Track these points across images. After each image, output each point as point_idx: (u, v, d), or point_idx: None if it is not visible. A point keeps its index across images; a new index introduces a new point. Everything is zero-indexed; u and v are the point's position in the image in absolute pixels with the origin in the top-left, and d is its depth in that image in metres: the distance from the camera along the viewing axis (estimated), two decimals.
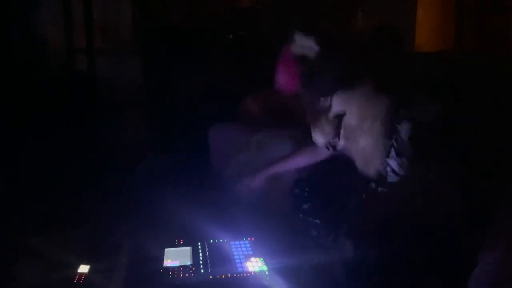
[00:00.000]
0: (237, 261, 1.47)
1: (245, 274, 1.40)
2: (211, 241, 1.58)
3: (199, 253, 1.50)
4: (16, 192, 1.85)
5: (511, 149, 1.27)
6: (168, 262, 1.45)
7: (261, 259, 1.48)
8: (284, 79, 1.47)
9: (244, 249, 1.56)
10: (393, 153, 1.26)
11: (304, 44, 1.30)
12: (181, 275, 1.38)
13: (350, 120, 1.29)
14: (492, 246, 1.12)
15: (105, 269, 1.40)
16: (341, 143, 1.34)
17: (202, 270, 1.41)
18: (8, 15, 2.38)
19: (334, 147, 1.45)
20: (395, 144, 1.25)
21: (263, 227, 1.60)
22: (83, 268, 1.39)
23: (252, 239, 1.62)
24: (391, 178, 1.29)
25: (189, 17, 2.77)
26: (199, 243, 1.55)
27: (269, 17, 2.68)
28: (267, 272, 1.41)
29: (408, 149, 1.24)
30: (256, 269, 1.42)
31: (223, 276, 1.38)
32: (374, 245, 1.24)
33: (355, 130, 1.29)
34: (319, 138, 1.35)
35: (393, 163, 1.27)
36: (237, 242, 1.58)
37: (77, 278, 1.35)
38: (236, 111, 2.12)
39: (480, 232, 1.14)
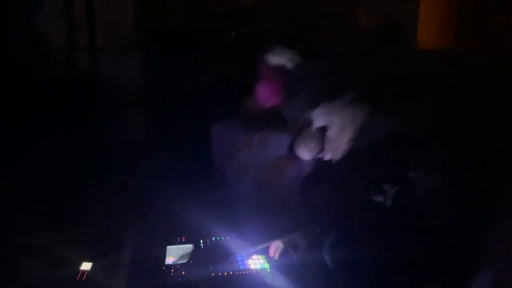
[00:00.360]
0: (238, 258, 1.48)
1: (247, 272, 1.40)
2: (213, 238, 1.59)
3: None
4: (18, 191, 1.85)
5: (511, 149, 1.28)
6: (170, 260, 1.45)
7: (263, 256, 1.49)
8: (264, 94, 1.45)
9: None
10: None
11: (280, 61, 1.29)
12: (183, 273, 1.39)
13: (334, 132, 1.29)
14: (492, 247, 1.13)
15: (108, 266, 1.40)
16: (326, 156, 1.35)
17: (204, 268, 1.41)
18: (9, 15, 2.38)
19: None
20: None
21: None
22: (86, 266, 1.40)
23: None
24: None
25: (190, 16, 2.77)
26: (201, 241, 1.56)
27: (270, 16, 2.68)
28: (268, 270, 1.42)
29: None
30: (258, 266, 1.43)
31: (225, 274, 1.39)
32: (373, 245, 1.24)
33: (339, 142, 1.28)
34: (304, 154, 1.35)
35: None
36: None
37: (80, 275, 1.36)
38: (238, 109, 2.13)
39: (481, 233, 1.15)
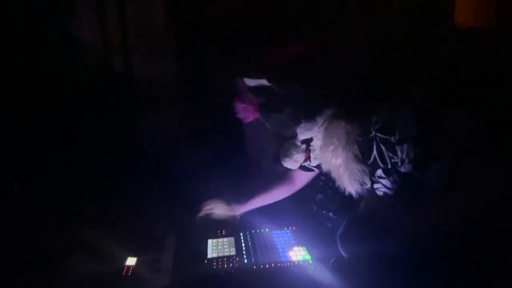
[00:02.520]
0: (280, 250, 1.48)
1: (289, 264, 1.40)
2: (253, 231, 1.59)
3: (241, 243, 1.52)
4: (66, 189, 1.91)
5: None
6: (212, 253, 1.47)
7: (304, 248, 1.48)
8: (243, 112, 1.45)
9: (286, 238, 1.56)
10: (380, 173, 1.25)
11: (255, 83, 1.29)
12: (225, 266, 1.40)
13: (317, 143, 1.29)
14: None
15: (152, 261, 1.43)
16: (313, 164, 1.35)
17: (245, 260, 1.42)
18: (46, 19, 2.45)
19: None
20: (381, 165, 1.24)
21: (304, 216, 1.59)
22: (131, 261, 1.43)
23: (294, 228, 1.62)
24: (381, 192, 1.28)
25: (221, 11, 2.77)
26: (241, 233, 1.57)
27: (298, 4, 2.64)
28: (310, 261, 1.41)
29: (394, 169, 1.22)
30: (300, 258, 1.43)
31: (267, 266, 1.39)
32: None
33: (323, 152, 1.28)
34: (291, 165, 1.35)
35: (384, 181, 1.25)
36: (279, 232, 1.59)
37: (125, 270, 1.39)
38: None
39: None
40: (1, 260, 1.47)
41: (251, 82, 1.28)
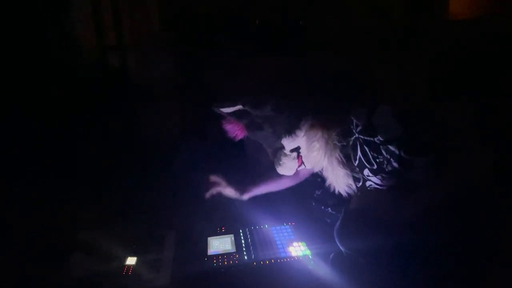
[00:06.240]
0: (279, 246, 1.48)
1: (289, 259, 1.41)
2: (253, 227, 1.59)
3: (241, 240, 1.52)
4: (65, 187, 1.91)
5: None
6: (211, 250, 1.47)
7: (304, 243, 1.48)
8: (232, 131, 1.50)
9: (286, 234, 1.57)
10: (368, 172, 1.26)
11: (232, 110, 1.34)
12: (226, 263, 1.40)
13: (304, 150, 1.33)
14: None
15: (152, 260, 1.43)
16: (308, 166, 1.40)
17: (245, 257, 1.43)
18: (41, 17, 2.44)
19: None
20: (367, 166, 1.25)
21: (303, 211, 1.59)
22: (131, 260, 1.43)
23: (293, 223, 1.63)
24: (372, 188, 1.30)
25: (217, 6, 2.75)
26: (241, 230, 1.57)
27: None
28: (310, 257, 1.41)
29: (381, 169, 1.23)
30: (300, 253, 1.43)
31: (267, 262, 1.40)
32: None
33: (311, 158, 1.33)
34: (286, 172, 1.42)
35: (373, 179, 1.27)
36: (278, 227, 1.59)
37: (126, 270, 1.39)
38: None
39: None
40: (1, 260, 1.47)
41: (227, 110, 1.33)
